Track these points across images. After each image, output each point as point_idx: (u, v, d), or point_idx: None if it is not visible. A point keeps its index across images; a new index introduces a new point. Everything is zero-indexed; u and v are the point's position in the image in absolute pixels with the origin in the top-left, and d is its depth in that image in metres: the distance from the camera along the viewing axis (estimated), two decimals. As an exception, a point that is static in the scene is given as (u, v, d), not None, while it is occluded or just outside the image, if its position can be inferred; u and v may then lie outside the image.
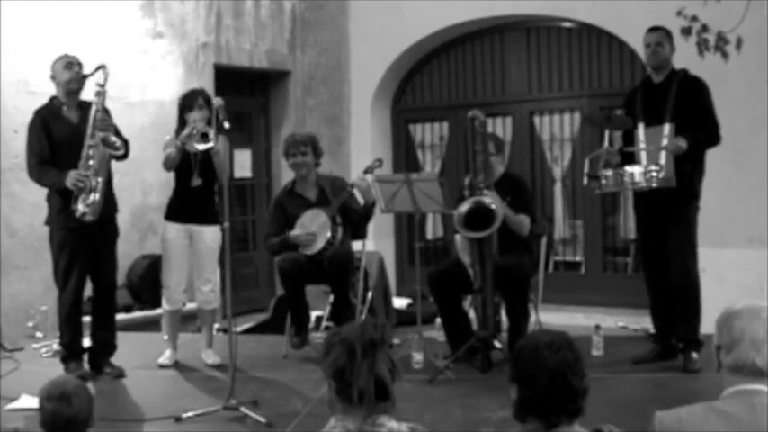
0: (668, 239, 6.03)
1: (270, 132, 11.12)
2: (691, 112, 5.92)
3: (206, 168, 6.40)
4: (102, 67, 6.10)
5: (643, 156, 5.90)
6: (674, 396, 5.18)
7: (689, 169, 5.93)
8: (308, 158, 6.76)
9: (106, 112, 6.15)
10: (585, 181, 6.04)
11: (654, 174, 5.71)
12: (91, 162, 5.98)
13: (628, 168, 5.80)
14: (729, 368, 2.70)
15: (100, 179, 6.00)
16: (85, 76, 6.15)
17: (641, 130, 6.03)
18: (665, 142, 5.86)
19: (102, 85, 6.08)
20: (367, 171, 6.71)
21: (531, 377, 2.62)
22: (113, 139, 6.01)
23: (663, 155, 5.81)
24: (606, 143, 6.07)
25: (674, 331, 6.19)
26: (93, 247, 6.19)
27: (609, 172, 5.84)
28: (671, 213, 5.96)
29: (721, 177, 7.73)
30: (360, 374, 2.67)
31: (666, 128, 5.90)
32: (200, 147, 6.04)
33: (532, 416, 2.63)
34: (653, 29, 6.16)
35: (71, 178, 5.90)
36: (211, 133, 5.95)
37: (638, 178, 5.76)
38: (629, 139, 6.15)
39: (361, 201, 6.79)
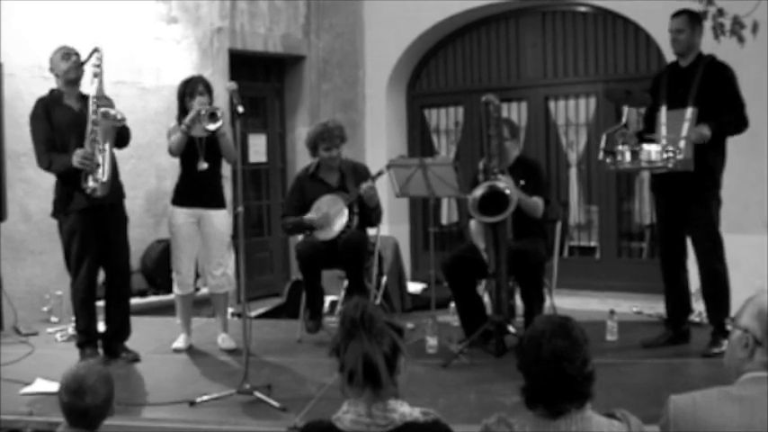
0: (689, 229, 6.00)
1: (285, 117, 11.12)
2: (715, 97, 5.83)
3: (212, 152, 6.40)
4: (96, 50, 6.14)
5: (663, 142, 5.83)
6: (688, 381, 5.15)
7: (710, 157, 5.83)
8: (340, 151, 6.78)
9: (106, 99, 6.19)
10: (601, 155, 5.95)
11: (671, 154, 5.62)
12: (96, 138, 6.01)
13: (645, 146, 5.70)
14: (764, 364, 2.65)
15: (106, 153, 6.02)
16: (82, 63, 6.16)
17: (663, 113, 5.96)
18: (686, 126, 5.78)
19: (99, 66, 6.12)
20: (374, 178, 6.71)
21: (528, 367, 2.65)
22: (113, 111, 6.05)
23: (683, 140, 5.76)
24: (624, 119, 6.01)
25: (686, 316, 6.25)
26: (104, 234, 6.20)
27: (626, 148, 5.77)
28: (691, 201, 5.90)
29: (737, 162, 7.66)
30: (347, 355, 2.67)
31: (689, 111, 5.81)
32: (211, 126, 6.11)
33: (539, 403, 2.64)
34: (675, 14, 6.08)
35: (77, 156, 5.94)
36: (219, 112, 6.04)
37: (654, 157, 5.66)
38: (651, 123, 6.10)
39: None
